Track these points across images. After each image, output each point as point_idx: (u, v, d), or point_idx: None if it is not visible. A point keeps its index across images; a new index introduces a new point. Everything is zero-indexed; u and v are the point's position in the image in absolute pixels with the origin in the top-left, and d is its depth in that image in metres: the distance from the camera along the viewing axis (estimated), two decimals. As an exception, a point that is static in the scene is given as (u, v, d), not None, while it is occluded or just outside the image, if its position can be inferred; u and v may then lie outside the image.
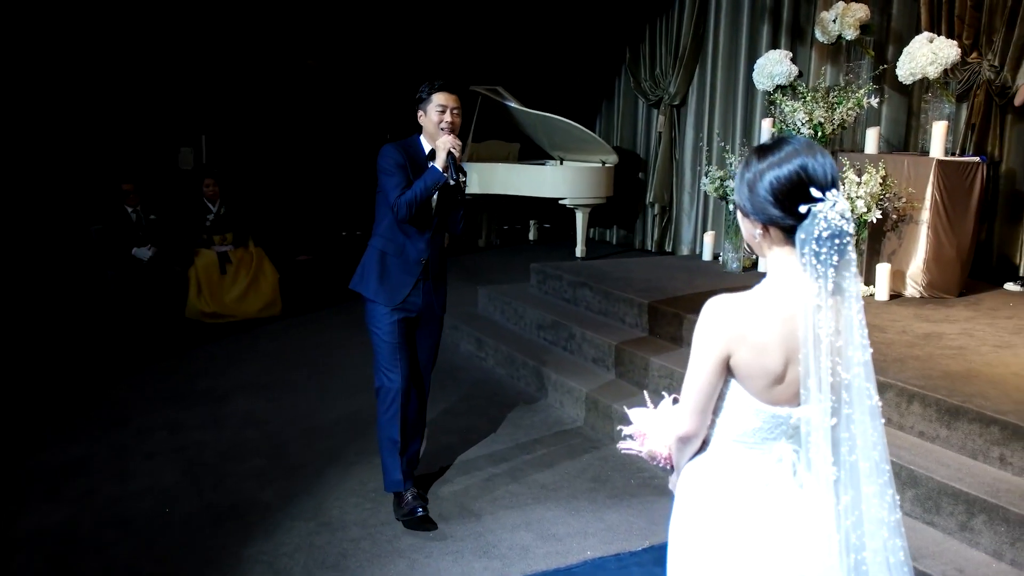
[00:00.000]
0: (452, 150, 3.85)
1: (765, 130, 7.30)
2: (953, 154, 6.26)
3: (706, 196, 8.99)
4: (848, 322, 1.81)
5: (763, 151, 1.88)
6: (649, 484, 4.48)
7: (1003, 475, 3.64)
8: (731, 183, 6.74)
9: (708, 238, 7.74)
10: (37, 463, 4.60)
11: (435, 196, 3.97)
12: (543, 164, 9.80)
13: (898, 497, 1.85)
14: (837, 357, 1.80)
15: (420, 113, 3.97)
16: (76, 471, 4.51)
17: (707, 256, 7.67)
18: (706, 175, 7.06)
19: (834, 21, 6.68)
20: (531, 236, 10.86)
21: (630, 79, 10.04)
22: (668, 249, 9.66)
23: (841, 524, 1.81)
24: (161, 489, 4.34)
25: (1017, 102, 6.17)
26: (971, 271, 6.28)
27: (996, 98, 6.59)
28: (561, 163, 9.78)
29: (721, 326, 1.87)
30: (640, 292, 6.10)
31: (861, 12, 6.59)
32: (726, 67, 8.79)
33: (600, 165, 9.23)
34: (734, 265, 6.92)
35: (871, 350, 1.83)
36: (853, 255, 1.81)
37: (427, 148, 3.97)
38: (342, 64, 10.41)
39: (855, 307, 1.81)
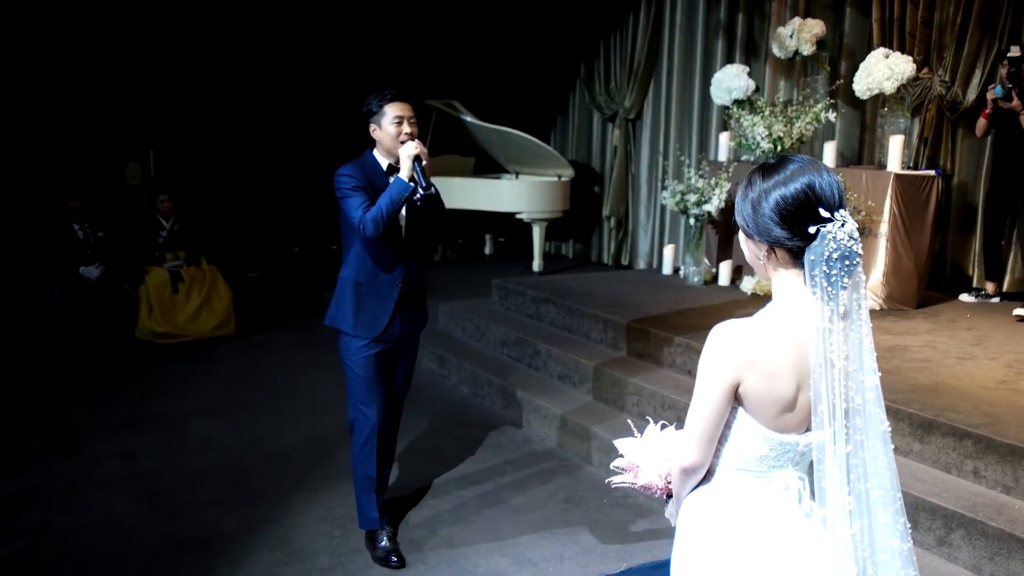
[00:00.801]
0: (419, 156, 3.59)
1: (723, 144, 7.35)
2: (908, 168, 6.35)
3: (663, 209, 9.01)
4: (858, 345, 1.76)
5: (767, 170, 1.83)
6: (622, 504, 4.42)
7: (978, 489, 3.66)
8: (692, 197, 6.75)
9: (668, 251, 7.74)
10: (-16, 495, 4.40)
11: (403, 213, 3.71)
12: (499, 178, 9.74)
13: (909, 525, 1.81)
14: (849, 381, 1.75)
15: (373, 127, 3.71)
16: (26, 503, 4.31)
17: (667, 270, 7.67)
18: (665, 189, 7.05)
19: (791, 36, 6.74)
20: (487, 250, 10.78)
21: (585, 93, 10.04)
22: (624, 263, 9.66)
23: (859, 555, 1.76)
24: (118, 520, 4.17)
25: (978, 133, 6.27)
26: (927, 283, 6.37)
27: (947, 112, 6.71)
28: (517, 177, 9.73)
29: (730, 353, 1.80)
30: (605, 308, 6.06)
31: (817, 28, 6.65)
32: (681, 82, 8.83)
33: (556, 179, 9.20)
34: (695, 279, 6.92)
35: (879, 373, 1.79)
36: (862, 276, 1.77)
37: (384, 163, 3.74)
38: (294, 77, 10.24)
39: (865, 329, 1.76)
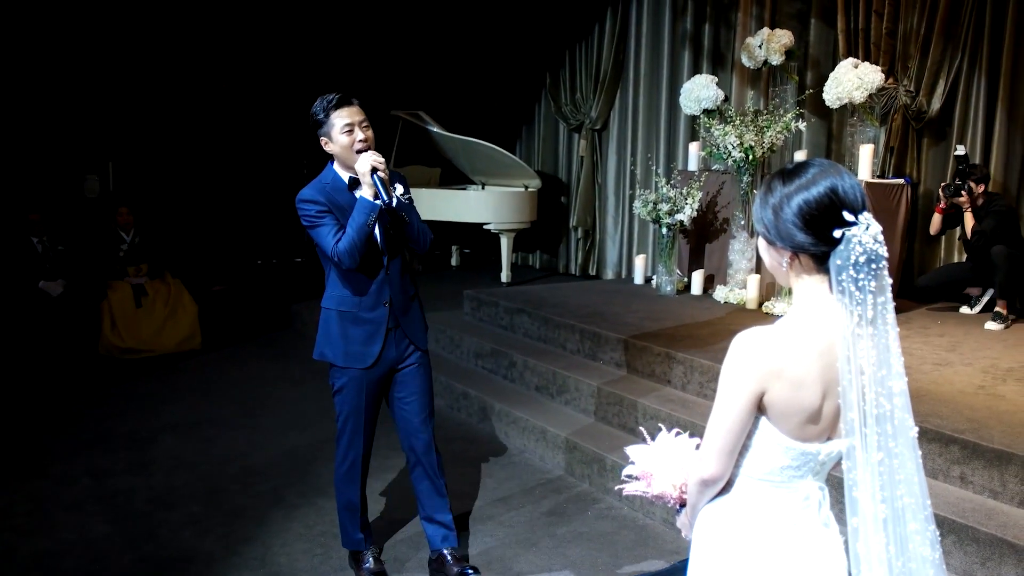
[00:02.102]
0: (375, 168, 3.25)
1: (693, 154, 7.37)
2: (878, 177, 6.42)
3: (631, 219, 9.02)
4: (885, 350, 1.72)
5: (787, 174, 1.80)
6: (607, 516, 4.38)
7: (966, 494, 3.67)
8: (664, 206, 6.75)
9: (639, 261, 7.74)
10: (-53, 519, 4.22)
11: (376, 230, 3.42)
12: (465, 189, 9.69)
13: (939, 533, 1.78)
14: (879, 387, 1.71)
15: (324, 140, 3.38)
16: (-8, 527, 4.16)
17: (639, 279, 7.67)
18: (637, 199, 7.05)
19: (760, 47, 6.79)
20: (453, 262, 10.71)
21: (551, 104, 10.04)
22: (592, 272, 9.65)
23: (894, 566, 1.73)
24: (90, 542, 4.02)
25: (932, 231, 6.26)
26: (898, 290, 6.43)
27: (913, 122, 6.80)
28: (483, 188, 9.69)
29: (755, 361, 1.76)
30: (581, 318, 6.03)
31: (786, 38, 6.71)
32: (648, 92, 8.86)
33: (523, 189, 9.17)
34: (668, 288, 6.92)
35: (907, 378, 1.76)
36: (888, 279, 1.74)
37: (345, 177, 3.42)
38: (257, 88, 10.11)
39: (892, 334, 1.73)
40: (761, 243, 1.89)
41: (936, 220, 6.18)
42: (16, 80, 8.57)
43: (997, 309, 5.83)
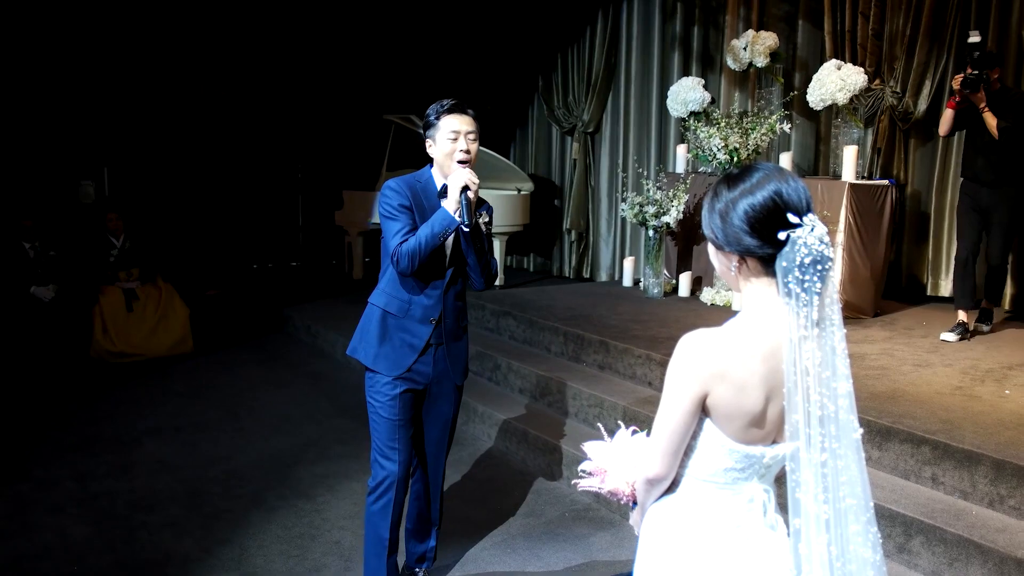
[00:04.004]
0: (467, 186, 3.13)
1: (680, 156, 7.39)
2: (863, 178, 6.43)
3: (624, 222, 9.04)
4: (831, 351, 1.73)
5: (732, 179, 1.81)
6: (583, 517, 4.39)
7: (936, 495, 3.68)
8: (650, 208, 6.77)
9: (628, 264, 7.75)
10: (-72, 522, 4.26)
11: (449, 245, 3.29)
12: (459, 192, 9.71)
13: (880, 535, 1.79)
14: (822, 388, 1.71)
15: (428, 142, 3.28)
16: (-27, 529, 4.19)
17: (627, 282, 7.68)
18: (624, 201, 7.08)
19: (745, 49, 6.81)
20: (447, 265, 10.73)
21: (543, 107, 10.06)
22: (586, 275, 9.66)
23: (834, 567, 1.73)
24: (68, 545, 4.05)
25: (943, 130, 5.73)
26: (883, 291, 6.44)
27: (899, 123, 6.81)
28: (477, 191, 9.70)
29: (698, 363, 1.77)
30: (565, 321, 6.05)
31: (770, 40, 6.73)
32: (639, 94, 8.88)
33: (516, 193, 9.19)
34: (655, 291, 6.93)
35: (852, 380, 1.76)
36: (835, 281, 1.75)
37: (439, 183, 3.29)
38: (252, 93, 10.15)
39: (838, 335, 1.73)
40: (710, 248, 1.89)
41: (947, 117, 5.62)
42: (12, 85, 8.63)
43: (984, 306, 5.79)
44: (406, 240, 3.17)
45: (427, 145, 3.30)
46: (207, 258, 9.84)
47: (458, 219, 3.13)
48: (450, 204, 3.15)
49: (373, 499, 3.38)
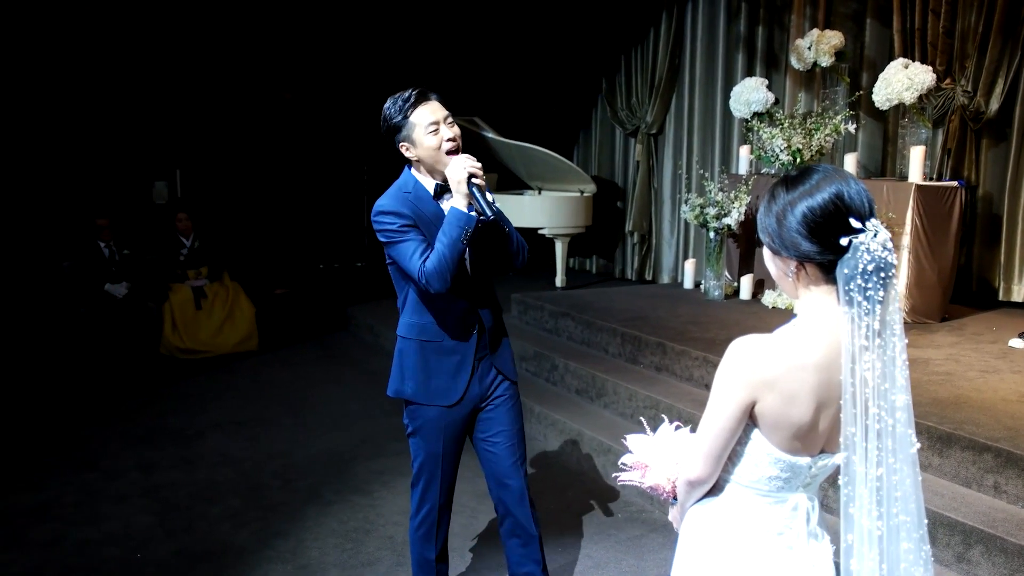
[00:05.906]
0: (474, 174, 2.79)
1: (743, 157, 7.30)
2: (931, 179, 6.27)
3: (686, 224, 8.95)
4: (891, 362, 1.66)
5: (790, 181, 1.75)
6: (637, 519, 4.37)
7: (998, 503, 3.57)
8: (711, 210, 6.70)
9: (689, 266, 7.69)
10: (2, 507, 4.44)
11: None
12: (521, 194, 9.74)
13: (932, 553, 1.74)
14: (882, 401, 1.65)
15: (404, 146, 2.92)
16: (43, 515, 4.35)
17: (688, 284, 7.62)
18: (685, 203, 7.01)
19: (809, 48, 6.69)
20: (509, 266, 10.76)
21: (607, 109, 10.03)
22: (648, 277, 9.60)
23: None
24: (131, 533, 4.19)
25: None
26: (952, 296, 6.26)
27: (971, 123, 6.61)
28: (539, 193, 9.73)
29: (747, 370, 1.73)
30: (623, 322, 6.02)
31: (836, 39, 6.60)
32: (703, 95, 8.80)
33: (579, 194, 9.18)
34: (716, 293, 6.86)
35: (911, 392, 1.69)
36: (897, 290, 1.68)
37: (429, 184, 2.96)
38: (319, 97, 10.34)
39: (899, 346, 1.66)
40: (766, 253, 1.84)
41: None
42: (91, 89, 8.94)
43: None
44: (426, 258, 2.83)
45: (403, 149, 2.94)
46: (275, 258, 10.04)
47: (473, 213, 2.81)
48: (459, 200, 2.81)
49: (416, 525, 3.18)
